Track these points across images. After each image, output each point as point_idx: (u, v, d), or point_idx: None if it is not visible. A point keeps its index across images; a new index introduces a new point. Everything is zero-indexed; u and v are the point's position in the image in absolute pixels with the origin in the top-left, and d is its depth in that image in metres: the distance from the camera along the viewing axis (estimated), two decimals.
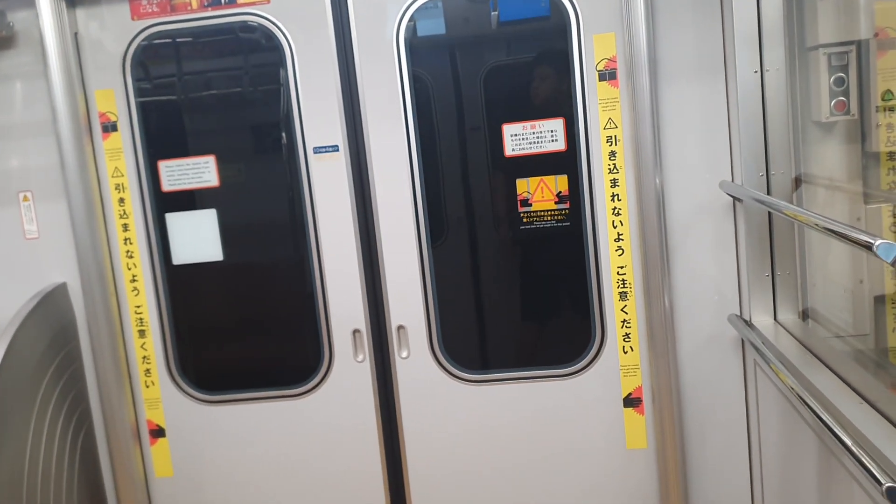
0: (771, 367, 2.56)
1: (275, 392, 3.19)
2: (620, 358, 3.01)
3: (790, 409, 2.54)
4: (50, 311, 3.04)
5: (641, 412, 3.04)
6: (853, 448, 1.92)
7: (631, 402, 3.04)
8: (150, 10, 2.99)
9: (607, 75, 2.88)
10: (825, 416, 2.10)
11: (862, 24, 2.56)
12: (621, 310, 2.99)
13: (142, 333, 3.18)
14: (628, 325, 2.99)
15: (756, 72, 2.71)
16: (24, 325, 2.85)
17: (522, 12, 2.94)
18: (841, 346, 2.70)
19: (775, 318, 2.84)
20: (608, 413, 3.06)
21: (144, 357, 3.20)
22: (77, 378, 3.16)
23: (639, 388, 3.03)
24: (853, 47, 2.58)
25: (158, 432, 3.24)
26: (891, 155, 2.62)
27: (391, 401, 3.15)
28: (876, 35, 2.58)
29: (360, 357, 3.12)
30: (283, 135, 3.03)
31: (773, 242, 2.80)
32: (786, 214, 2.42)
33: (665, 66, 2.84)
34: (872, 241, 1.69)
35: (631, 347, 3.00)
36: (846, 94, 2.59)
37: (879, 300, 2.71)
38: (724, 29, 2.79)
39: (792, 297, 2.83)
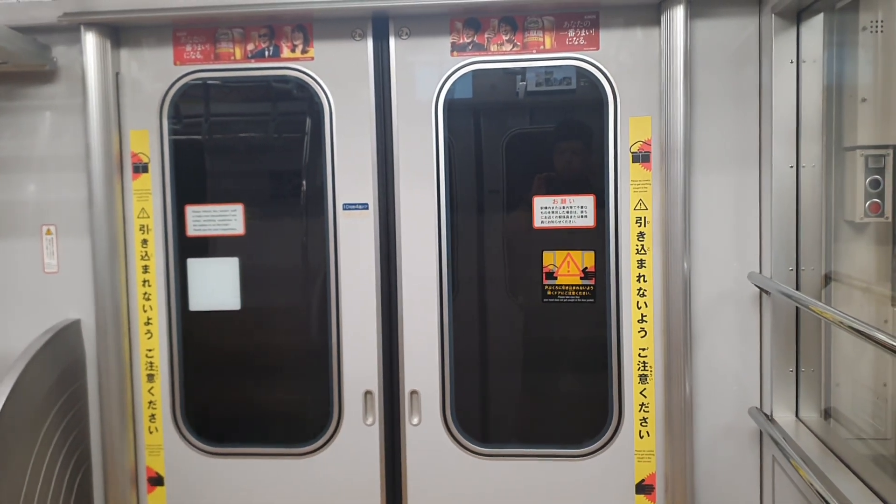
0: (792, 464, 2.52)
1: (279, 449, 3.12)
2: (636, 442, 2.96)
3: None
4: (61, 347, 2.99)
5: (653, 500, 2.97)
6: None
7: (643, 488, 2.98)
8: (193, 57, 3.02)
9: (641, 157, 2.90)
10: None
11: None
12: (640, 392, 2.94)
13: (150, 378, 3.13)
14: (646, 409, 2.95)
15: (792, 167, 2.73)
16: (34, 360, 2.80)
17: (558, 86, 2.97)
18: (863, 449, 2.65)
19: (797, 415, 2.80)
20: (619, 499, 2.98)
21: (151, 402, 3.13)
22: (80, 417, 3.09)
23: (652, 475, 2.97)
24: (890, 151, 2.59)
25: (157, 480, 3.16)
26: None
27: (398, 468, 3.07)
28: None
29: (370, 420, 3.06)
30: (315, 189, 3.03)
31: (798, 338, 2.78)
32: (815, 311, 2.40)
33: (699, 152, 2.86)
34: None
35: (647, 432, 2.95)
36: (881, 196, 2.60)
37: None
38: (762, 122, 2.81)
39: (815, 395, 2.79)
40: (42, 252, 3.12)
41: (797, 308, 2.76)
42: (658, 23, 2.81)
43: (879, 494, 2.25)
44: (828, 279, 2.76)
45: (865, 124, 2.61)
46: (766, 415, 2.83)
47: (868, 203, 2.61)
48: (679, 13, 2.74)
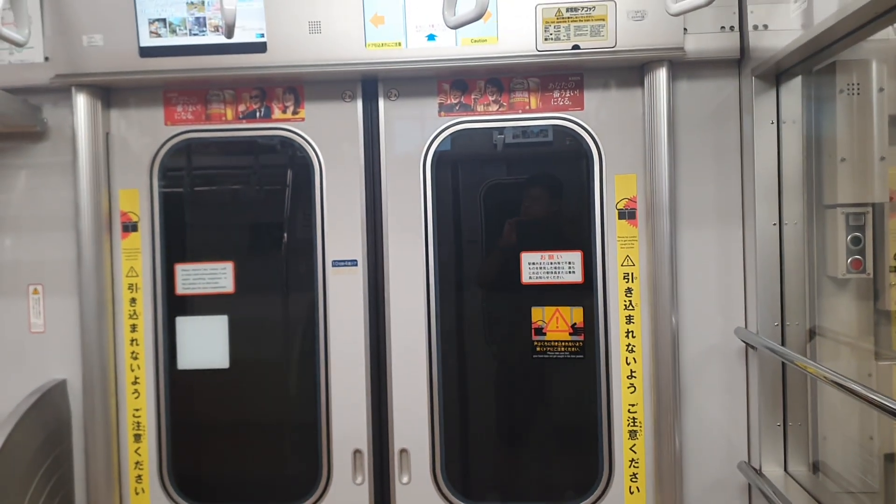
0: None
1: None
2: (626, 498, 2.96)
3: None
4: (47, 409, 2.95)
5: None
6: None
7: None
8: (184, 117, 3.04)
9: (627, 214, 2.95)
10: None
11: (877, 187, 2.66)
12: (630, 448, 2.96)
13: (137, 438, 3.09)
14: (636, 464, 2.95)
15: (775, 224, 2.79)
16: (20, 424, 2.77)
17: (538, 139, 3.03)
18: (851, 502, 2.68)
19: (785, 469, 2.82)
20: None
21: (137, 462, 3.09)
22: (66, 481, 3.04)
23: None
24: (870, 209, 2.66)
25: None
26: None
27: None
28: (890, 199, 2.68)
29: (360, 479, 3.04)
30: (304, 247, 3.04)
31: (785, 392, 2.81)
32: (800, 367, 2.44)
33: (684, 209, 2.91)
34: None
35: (638, 488, 2.96)
36: (862, 252, 2.66)
37: (889, 458, 2.71)
38: (744, 180, 2.88)
39: (803, 449, 2.82)
40: (29, 311, 3.10)
41: (783, 363, 2.79)
42: (641, 84, 2.88)
43: None
44: (812, 334, 2.81)
45: (845, 183, 2.68)
46: (755, 469, 2.85)
47: (850, 259, 2.67)
48: (662, 75, 2.81)
